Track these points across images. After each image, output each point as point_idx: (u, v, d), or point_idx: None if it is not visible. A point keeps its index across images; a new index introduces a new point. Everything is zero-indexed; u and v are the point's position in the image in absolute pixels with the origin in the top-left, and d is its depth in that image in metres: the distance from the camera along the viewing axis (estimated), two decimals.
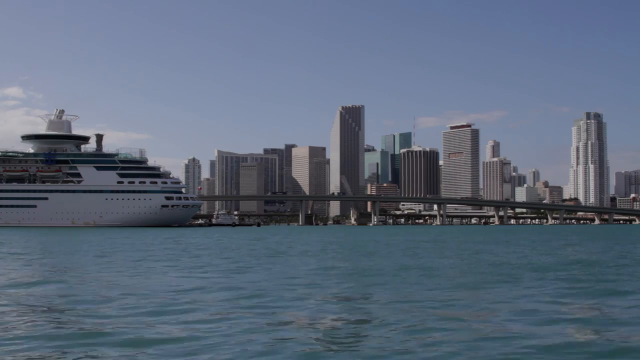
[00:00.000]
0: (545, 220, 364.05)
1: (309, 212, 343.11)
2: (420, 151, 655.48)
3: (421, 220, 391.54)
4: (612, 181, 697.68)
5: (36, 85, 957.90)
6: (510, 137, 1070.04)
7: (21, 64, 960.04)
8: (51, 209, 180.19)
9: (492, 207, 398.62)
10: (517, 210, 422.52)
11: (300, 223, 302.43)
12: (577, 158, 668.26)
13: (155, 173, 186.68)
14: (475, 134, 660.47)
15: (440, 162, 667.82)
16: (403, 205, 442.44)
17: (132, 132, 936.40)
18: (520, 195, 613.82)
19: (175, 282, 26.81)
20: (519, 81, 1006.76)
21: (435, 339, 14.52)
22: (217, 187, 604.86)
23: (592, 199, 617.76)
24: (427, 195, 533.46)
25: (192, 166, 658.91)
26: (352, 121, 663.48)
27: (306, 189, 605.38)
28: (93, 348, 13.55)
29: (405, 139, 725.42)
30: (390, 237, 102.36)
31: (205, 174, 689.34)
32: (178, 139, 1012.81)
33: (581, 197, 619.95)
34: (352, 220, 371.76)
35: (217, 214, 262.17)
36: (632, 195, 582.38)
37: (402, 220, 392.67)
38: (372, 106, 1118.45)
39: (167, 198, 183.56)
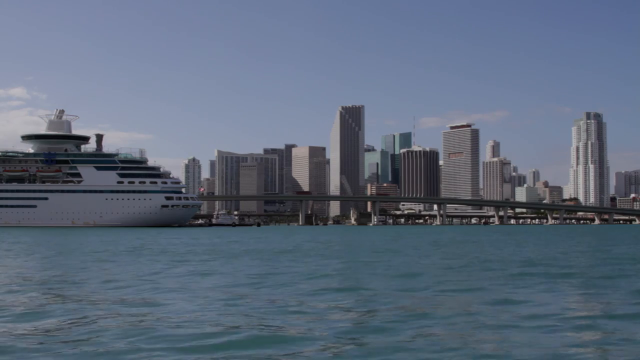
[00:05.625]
0: (545, 220, 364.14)
1: (309, 212, 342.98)
2: (420, 151, 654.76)
3: (421, 220, 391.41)
4: (612, 181, 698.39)
5: (40, 86, 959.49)
6: (511, 137, 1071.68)
7: (25, 64, 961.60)
8: (51, 209, 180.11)
9: (492, 207, 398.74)
10: (517, 210, 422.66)
11: (300, 223, 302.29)
12: (577, 158, 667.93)
13: (155, 173, 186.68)
14: (475, 134, 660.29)
15: (440, 162, 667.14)
16: (403, 205, 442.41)
17: (135, 132, 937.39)
18: (520, 195, 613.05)
19: None
20: (520, 81, 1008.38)
21: None
22: (217, 187, 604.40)
23: (592, 199, 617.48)
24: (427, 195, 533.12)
25: (192, 166, 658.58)
26: (352, 121, 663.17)
27: (306, 189, 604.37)
28: None
29: (405, 139, 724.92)
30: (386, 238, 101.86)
31: (205, 174, 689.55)
32: (178, 139, 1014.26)
33: (581, 197, 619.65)
34: (352, 220, 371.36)
35: (217, 214, 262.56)
36: (632, 195, 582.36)
37: (402, 220, 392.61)
38: (372, 106, 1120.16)
39: (167, 198, 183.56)
